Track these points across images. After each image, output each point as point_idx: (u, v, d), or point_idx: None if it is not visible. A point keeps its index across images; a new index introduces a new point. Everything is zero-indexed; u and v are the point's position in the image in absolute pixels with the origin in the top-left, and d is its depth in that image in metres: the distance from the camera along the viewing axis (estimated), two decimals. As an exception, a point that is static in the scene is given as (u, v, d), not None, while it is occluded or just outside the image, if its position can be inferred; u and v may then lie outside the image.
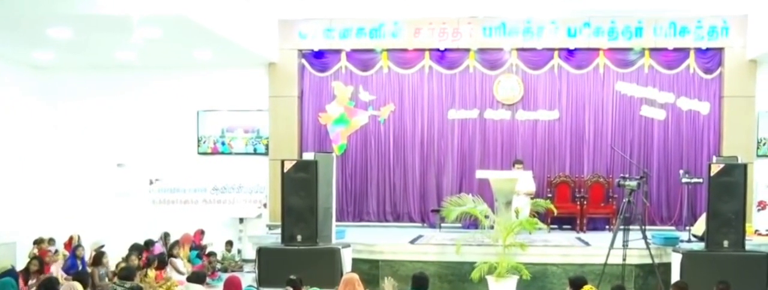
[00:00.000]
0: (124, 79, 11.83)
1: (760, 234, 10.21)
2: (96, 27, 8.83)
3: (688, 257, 8.25)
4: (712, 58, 11.27)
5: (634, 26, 11.11)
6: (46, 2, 8.01)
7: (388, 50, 11.63)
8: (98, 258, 8.86)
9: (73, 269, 8.85)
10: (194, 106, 11.87)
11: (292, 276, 7.12)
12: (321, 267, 8.23)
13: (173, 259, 9.68)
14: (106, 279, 8.53)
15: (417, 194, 11.81)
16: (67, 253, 9.58)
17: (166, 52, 10.59)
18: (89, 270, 8.70)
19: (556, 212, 10.00)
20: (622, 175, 9.32)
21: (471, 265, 8.48)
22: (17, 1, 7.92)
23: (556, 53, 11.42)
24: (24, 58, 11.13)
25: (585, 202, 11.12)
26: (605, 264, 8.35)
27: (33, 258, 8.63)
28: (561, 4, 10.93)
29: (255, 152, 11.83)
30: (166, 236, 10.64)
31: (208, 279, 9.00)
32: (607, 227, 11.15)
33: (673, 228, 11.07)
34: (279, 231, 8.99)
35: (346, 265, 8.60)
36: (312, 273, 7.66)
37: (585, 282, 6.80)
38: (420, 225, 11.69)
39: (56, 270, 8.61)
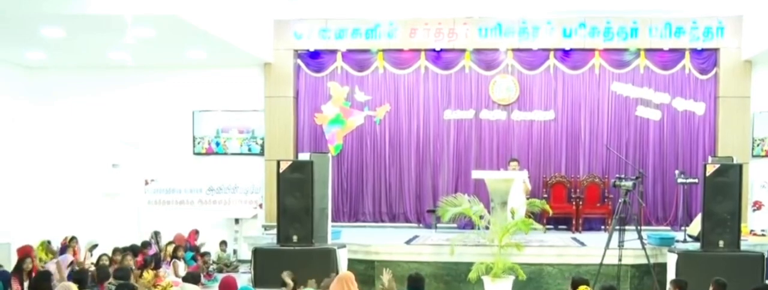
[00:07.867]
0: (118, 79, 11.79)
1: (755, 234, 10.23)
2: (88, 27, 8.79)
3: (684, 257, 8.25)
4: (707, 58, 11.28)
5: (629, 27, 11.12)
6: (38, 2, 7.96)
7: (383, 50, 11.62)
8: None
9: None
10: (189, 106, 11.85)
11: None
12: (317, 267, 8.17)
13: (176, 261, 9.64)
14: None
15: (413, 194, 11.80)
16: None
17: (161, 53, 10.56)
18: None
19: (551, 212, 9.98)
20: (617, 175, 9.32)
21: (467, 266, 8.46)
22: (8, 1, 7.87)
23: (551, 54, 11.42)
24: (16, 58, 11.09)
25: (581, 202, 11.13)
26: (601, 265, 8.36)
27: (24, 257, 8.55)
28: (556, 5, 10.95)
29: (250, 153, 11.80)
30: (156, 234, 10.60)
31: (203, 280, 8.98)
32: (602, 227, 11.15)
33: (668, 228, 11.08)
34: (275, 231, 8.96)
35: (342, 266, 8.58)
36: (308, 274, 7.61)
37: (585, 282, 6.79)
38: (416, 225, 11.68)
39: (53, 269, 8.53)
